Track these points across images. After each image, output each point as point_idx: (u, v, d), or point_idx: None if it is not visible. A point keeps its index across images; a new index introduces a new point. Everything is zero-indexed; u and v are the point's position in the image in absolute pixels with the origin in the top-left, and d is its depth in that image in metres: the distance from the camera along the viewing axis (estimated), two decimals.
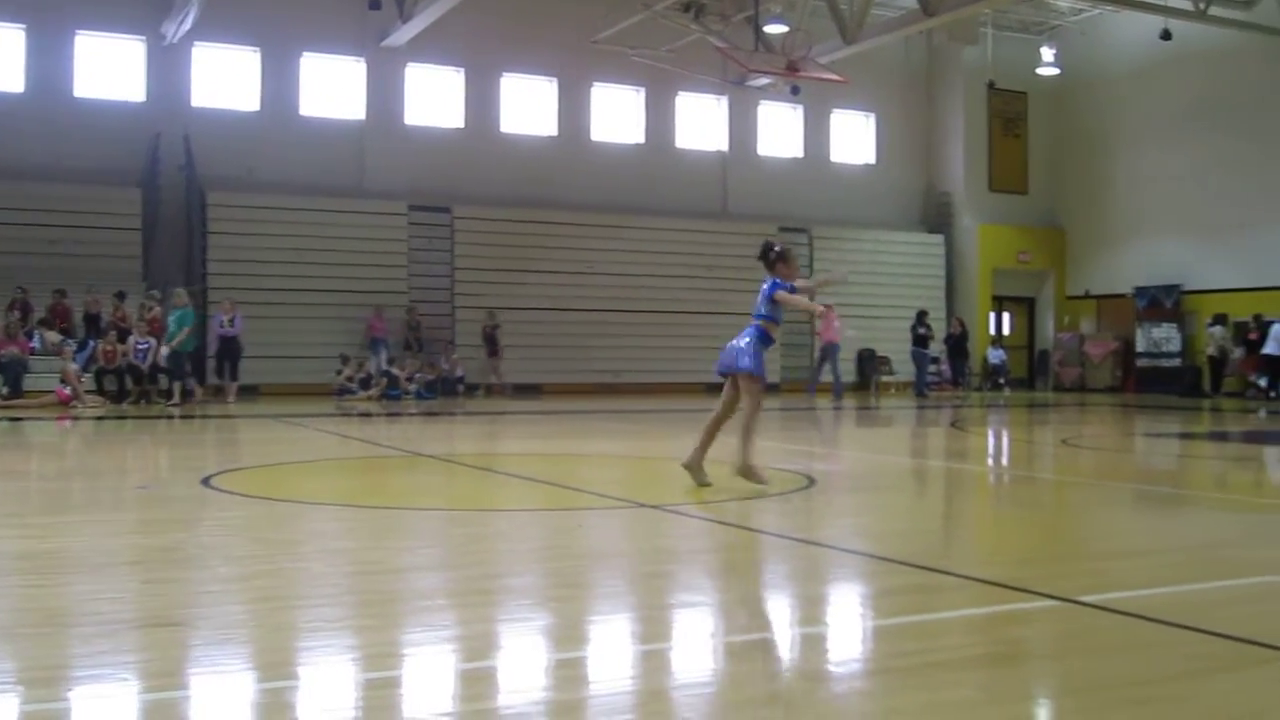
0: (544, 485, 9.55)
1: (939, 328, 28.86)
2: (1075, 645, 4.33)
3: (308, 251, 24.42)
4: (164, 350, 20.24)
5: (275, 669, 3.94)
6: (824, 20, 25.09)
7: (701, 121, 29.64)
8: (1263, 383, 25.57)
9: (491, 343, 25.23)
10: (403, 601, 5.06)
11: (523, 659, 4.19)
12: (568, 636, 4.52)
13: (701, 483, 8.55)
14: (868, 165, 31.80)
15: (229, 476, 9.32)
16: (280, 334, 23.94)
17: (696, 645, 4.47)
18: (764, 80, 25.50)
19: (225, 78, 25.20)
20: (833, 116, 31.12)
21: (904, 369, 28.67)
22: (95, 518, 7.63)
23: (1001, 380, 30.19)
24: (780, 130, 30.61)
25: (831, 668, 4.12)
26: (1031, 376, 32.89)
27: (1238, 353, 26.70)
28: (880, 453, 13.45)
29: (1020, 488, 10.24)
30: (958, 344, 28.59)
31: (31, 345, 20.60)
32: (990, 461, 13.46)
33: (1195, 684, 3.76)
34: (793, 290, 8.79)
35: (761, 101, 29.69)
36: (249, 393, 22.83)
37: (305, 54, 25.70)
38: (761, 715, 3.52)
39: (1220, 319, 26.92)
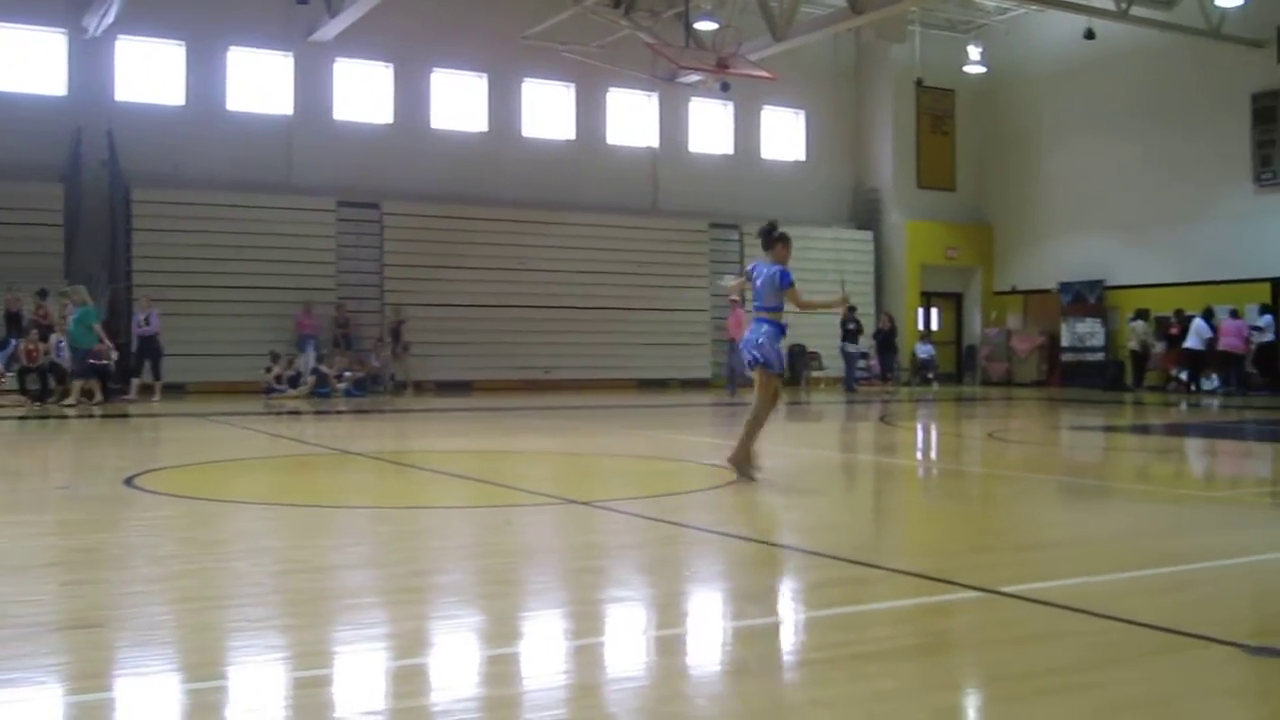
0: (473, 482, 9.52)
1: (868, 323, 29.11)
2: (997, 635, 4.40)
3: (235, 248, 24.06)
4: (63, 348, 19.88)
5: (200, 670, 3.90)
6: (754, 17, 25.17)
7: (632, 118, 29.64)
8: (1184, 376, 26.04)
9: (396, 338, 24.96)
10: (330, 600, 5.03)
11: (453, 656, 4.18)
12: (498, 633, 4.52)
13: (746, 473, 8.92)
14: (797, 162, 31.99)
15: (153, 476, 9.19)
16: (207, 332, 23.62)
17: (626, 640, 4.49)
18: (694, 77, 25.56)
19: (149, 72, 24.77)
20: (763, 113, 31.26)
21: (833, 364, 28.87)
22: (14, 519, 7.49)
23: (929, 375, 30.50)
24: (711, 127, 30.70)
25: (759, 661, 4.15)
26: (959, 371, 33.27)
27: (1159, 347, 27.17)
28: (809, 447, 13.54)
29: (947, 481, 10.36)
30: (886, 339, 28.86)
31: None
32: (918, 455, 13.61)
33: (1111, 672, 3.83)
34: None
35: (692, 98, 29.76)
36: (176, 391, 22.51)
37: (232, 48, 25.34)
38: (689, 709, 3.54)
39: (1142, 314, 27.38)
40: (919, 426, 17.67)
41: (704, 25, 24.14)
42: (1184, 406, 21.61)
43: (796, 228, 31.46)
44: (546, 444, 13.51)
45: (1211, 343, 25.26)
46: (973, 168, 32.87)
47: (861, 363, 28.25)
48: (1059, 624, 4.51)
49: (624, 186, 29.16)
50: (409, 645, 4.31)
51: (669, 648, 4.34)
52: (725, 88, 25.74)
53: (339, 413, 19.36)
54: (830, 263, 31.03)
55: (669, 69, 25.64)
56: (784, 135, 31.83)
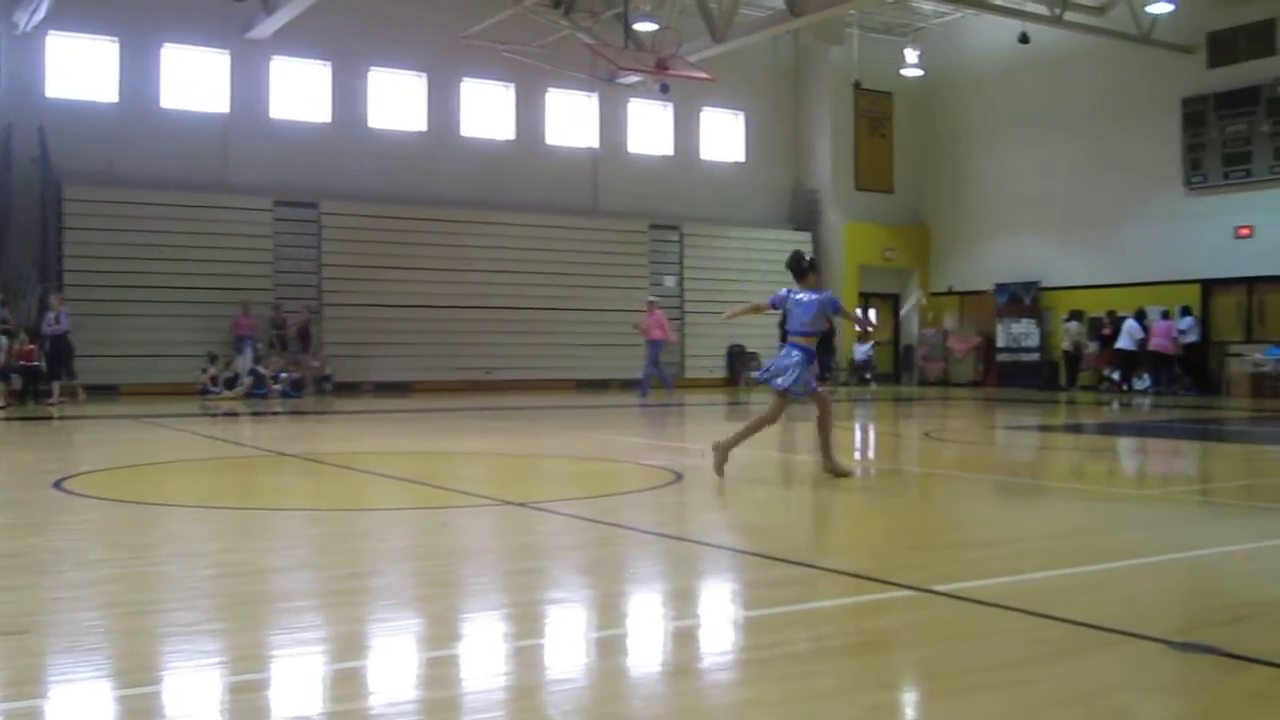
0: (410, 484, 9.47)
1: None
2: (931, 634, 4.44)
3: (170, 248, 23.79)
4: None
5: (130, 676, 3.84)
6: (693, 19, 25.25)
7: (572, 118, 29.62)
8: (1116, 376, 26.43)
9: (305, 337, 24.70)
10: (264, 603, 4.98)
11: (390, 659, 4.15)
12: (436, 635, 4.50)
13: (844, 472, 9.28)
14: (737, 163, 32.12)
15: (83, 479, 9.06)
16: (141, 332, 23.32)
17: (565, 641, 4.48)
18: (634, 78, 25.59)
19: (82, 68, 24.43)
20: (702, 114, 31.36)
21: None
22: None
23: (868, 375, 30.75)
24: (650, 128, 30.75)
25: (694, 661, 4.17)
26: (897, 371, 33.55)
27: (1092, 347, 27.57)
28: (748, 448, 13.56)
29: (884, 480, 10.43)
30: (825, 340, 28.94)
31: None
32: (856, 455, 13.69)
33: (1042, 668, 3.88)
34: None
35: (631, 99, 29.79)
36: (108, 393, 22.21)
37: (166, 45, 25.03)
38: (627, 709, 3.54)
39: (1076, 315, 27.77)
40: (856, 426, 17.79)
41: (643, 26, 24.18)
42: (1116, 406, 21.92)
43: (735, 229, 31.86)
44: (485, 445, 13.46)
45: (1143, 343, 25.68)
46: (910, 170, 33.17)
47: None
48: (992, 622, 4.56)
49: (564, 187, 29.13)
50: (345, 648, 4.27)
51: (607, 649, 4.34)
52: (665, 89, 25.79)
53: (275, 414, 19.19)
54: (769, 264, 31.21)
55: (608, 70, 25.66)
56: (723, 136, 31.96)
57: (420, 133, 27.62)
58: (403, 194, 26.84)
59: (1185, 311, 26.07)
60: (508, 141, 28.65)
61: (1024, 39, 27.23)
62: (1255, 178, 25.40)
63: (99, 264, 23.28)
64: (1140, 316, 26.00)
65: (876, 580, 5.34)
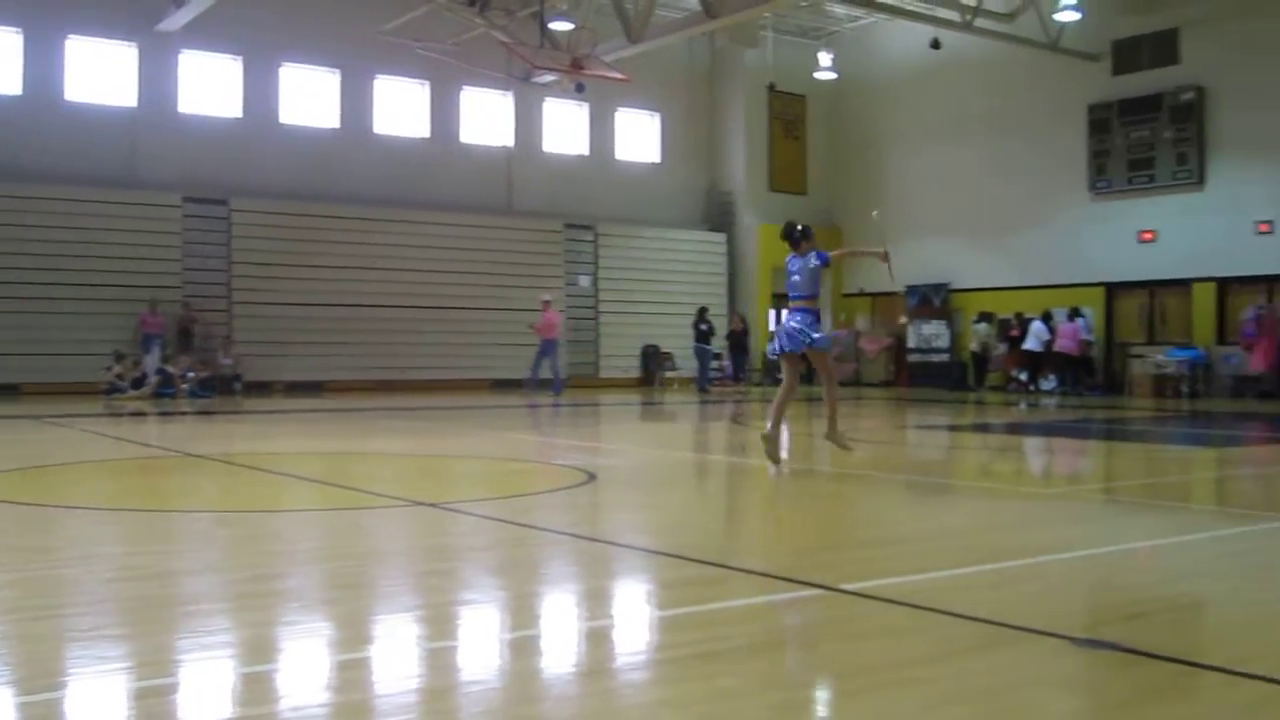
0: (321, 485, 9.37)
1: (720, 324, 29.46)
2: (838, 632, 4.50)
3: (75, 244, 23.29)
4: None
5: (30, 682, 3.76)
6: (609, 19, 25.25)
7: (487, 117, 29.49)
8: (1024, 377, 26.93)
9: (186, 336, 24.29)
10: (169, 607, 4.90)
11: (299, 662, 4.11)
12: (346, 638, 4.45)
13: (844, 446, 10.24)
14: (652, 164, 32.19)
15: None
16: (45, 330, 22.83)
17: (476, 643, 4.47)
18: (549, 77, 25.53)
19: None
20: (618, 115, 31.39)
21: (687, 364, 29.14)
22: None
23: (780, 375, 30.96)
24: (566, 127, 30.72)
25: (606, 662, 4.18)
26: (810, 372, 33.75)
27: (1000, 349, 28.05)
28: (661, 448, 13.64)
29: (796, 480, 10.52)
30: (739, 340, 29.24)
31: None
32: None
33: (946, 666, 3.94)
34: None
35: (547, 98, 29.74)
36: (10, 392, 21.71)
37: (71, 36, 24.50)
38: (538, 711, 3.54)
39: (985, 316, 28.24)
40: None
41: (559, 25, 24.13)
42: (1023, 406, 22.31)
43: (650, 229, 31.89)
44: (397, 445, 13.36)
45: (1049, 344, 26.19)
46: (823, 172, 33.48)
47: (714, 363, 28.55)
48: (897, 620, 4.63)
49: (478, 186, 29.01)
50: (253, 652, 4.22)
51: (519, 650, 4.33)
52: (580, 88, 25.75)
53: (184, 414, 18.87)
54: (684, 264, 31.40)
55: (524, 68, 25.58)
56: (639, 137, 32.02)
57: (333, 129, 27.33)
58: (315, 191, 26.54)
59: (1074, 314, 26.53)
60: (422, 139, 28.46)
61: (935, 45, 27.61)
62: (1158, 183, 26.01)
63: (1, 260, 22.73)
64: (1046, 318, 26.51)
65: (786, 579, 5.38)
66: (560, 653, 4.33)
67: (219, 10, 23.39)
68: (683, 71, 32.14)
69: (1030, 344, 26.44)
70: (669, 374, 29.95)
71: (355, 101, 27.55)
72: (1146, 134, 26.14)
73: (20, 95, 23.98)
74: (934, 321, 30.41)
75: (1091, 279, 27.18)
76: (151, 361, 22.99)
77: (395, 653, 4.26)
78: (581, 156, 30.87)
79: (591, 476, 9.47)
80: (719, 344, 28.98)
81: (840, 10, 30.78)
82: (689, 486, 10.02)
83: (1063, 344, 26.06)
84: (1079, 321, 26.37)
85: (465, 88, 28.74)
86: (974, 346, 28.16)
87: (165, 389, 22.48)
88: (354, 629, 4.59)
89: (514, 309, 27.63)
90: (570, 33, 23.58)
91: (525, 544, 6.59)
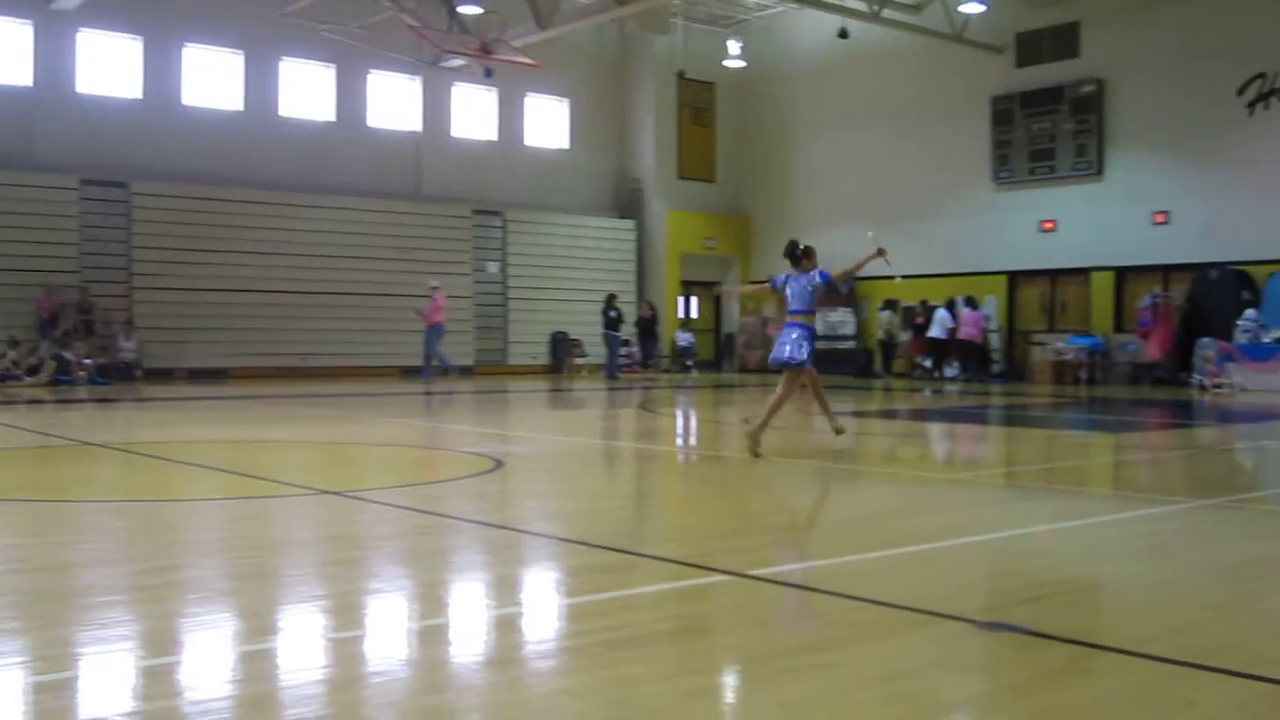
0: (224, 473, 9.22)
1: (629, 311, 29.49)
2: (746, 618, 4.52)
3: None
4: None
5: None
6: (518, 4, 25.07)
7: (395, 101, 29.17)
8: (928, 364, 27.32)
9: (53, 322, 23.67)
10: (64, 600, 4.78)
11: (201, 655, 4.03)
12: (248, 630, 4.37)
13: (840, 430, 10.73)
14: (561, 150, 32.09)
15: None
16: None
17: (382, 633, 4.42)
18: (457, 61, 25.33)
19: None
20: (526, 100, 31.23)
21: (596, 351, 29.13)
22: None
23: (689, 362, 31.13)
24: (474, 112, 30.49)
25: (513, 650, 4.16)
26: (718, 358, 34.01)
27: (905, 336, 28.42)
28: (569, 434, 13.62)
29: (703, 467, 10.57)
30: (647, 327, 29.30)
31: None
32: (677, 441, 13.85)
33: (853, 650, 3.99)
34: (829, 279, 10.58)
35: (455, 83, 29.48)
36: None
37: None
38: (444, 700, 3.51)
39: (890, 304, 28.58)
40: (678, 413, 17.99)
41: (468, 10, 23.94)
42: (928, 392, 22.63)
43: (560, 215, 31.81)
44: (302, 433, 13.19)
45: (953, 332, 26.59)
46: (732, 160, 33.61)
47: (623, 350, 28.58)
48: (805, 605, 4.67)
49: (386, 170, 28.70)
50: (153, 645, 4.13)
51: (425, 639, 4.29)
52: (489, 73, 25.59)
53: (81, 401, 18.46)
54: (593, 251, 31.36)
55: (432, 53, 25.35)
56: (548, 123, 31.89)
57: (237, 112, 26.84)
58: (218, 174, 26.06)
59: (968, 302, 26.93)
60: (328, 123, 28.06)
61: (843, 34, 27.82)
62: (1059, 174, 26.49)
63: None
64: (950, 306, 26.91)
65: (694, 566, 5.40)
66: (467, 642, 4.30)
67: None
68: (592, 58, 32.07)
69: (934, 331, 26.84)
70: (578, 361, 29.92)
71: (260, 84, 27.08)
72: (1048, 125, 26.60)
73: None
74: (840, 309, 30.69)
75: (994, 267, 27.63)
76: (48, 347, 22.43)
77: (299, 644, 4.21)
78: (490, 142, 30.67)
79: (499, 463, 9.42)
80: (628, 331, 29.02)
81: None
82: (598, 473, 10.01)
83: (966, 331, 26.48)
84: (980, 310, 26.78)
85: (372, 71, 28.39)
86: (881, 334, 28.50)
87: (62, 375, 21.96)
88: (257, 620, 4.51)
89: (421, 295, 27.39)
90: (479, 17, 23.41)
91: (432, 532, 6.54)
